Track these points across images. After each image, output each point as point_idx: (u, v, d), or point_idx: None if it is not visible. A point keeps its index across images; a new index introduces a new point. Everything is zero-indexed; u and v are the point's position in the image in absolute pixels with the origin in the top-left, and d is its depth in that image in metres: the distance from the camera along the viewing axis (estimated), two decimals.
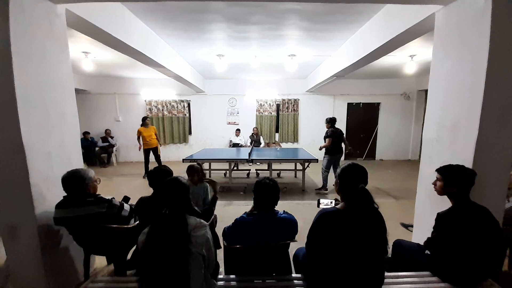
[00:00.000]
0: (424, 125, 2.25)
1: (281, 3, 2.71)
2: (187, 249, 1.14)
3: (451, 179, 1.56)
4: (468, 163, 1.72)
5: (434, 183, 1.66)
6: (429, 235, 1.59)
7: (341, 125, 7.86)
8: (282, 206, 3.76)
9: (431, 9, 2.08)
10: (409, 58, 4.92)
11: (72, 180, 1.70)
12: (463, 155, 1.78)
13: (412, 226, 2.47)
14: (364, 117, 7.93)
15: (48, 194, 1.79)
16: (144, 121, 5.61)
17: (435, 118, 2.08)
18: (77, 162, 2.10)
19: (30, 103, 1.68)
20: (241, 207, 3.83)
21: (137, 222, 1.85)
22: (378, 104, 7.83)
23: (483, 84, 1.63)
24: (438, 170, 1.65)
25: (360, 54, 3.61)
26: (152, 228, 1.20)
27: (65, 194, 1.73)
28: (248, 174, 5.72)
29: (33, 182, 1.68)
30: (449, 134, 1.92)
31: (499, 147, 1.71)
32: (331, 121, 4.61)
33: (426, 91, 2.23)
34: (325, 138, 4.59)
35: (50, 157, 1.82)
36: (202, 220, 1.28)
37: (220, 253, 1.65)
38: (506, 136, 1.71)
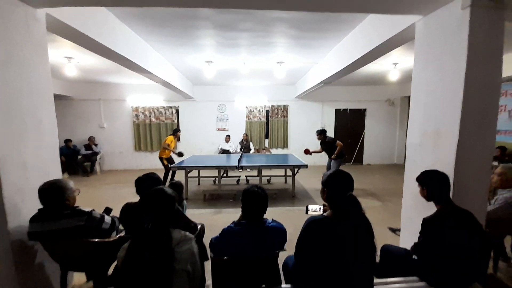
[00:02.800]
0: (407, 131, 2.31)
1: (269, 11, 2.75)
2: (170, 266, 1.07)
3: (422, 181, 1.66)
4: (450, 167, 1.77)
5: (420, 193, 1.70)
6: (416, 240, 1.61)
7: (330, 130, 8.00)
8: (272, 212, 3.71)
9: (411, 19, 2.17)
10: (392, 66, 5.11)
11: (51, 192, 1.59)
12: (445, 160, 1.83)
13: (399, 230, 2.50)
14: (351, 123, 8.11)
15: (22, 206, 1.69)
16: (176, 133, 5.75)
17: (418, 124, 2.15)
18: (55, 172, 1.99)
19: (5, 110, 1.58)
20: (231, 215, 3.76)
21: (119, 235, 1.76)
22: (364, 110, 8.05)
23: (462, 91, 1.70)
24: (417, 180, 1.71)
25: (345, 61, 3.71)
26: (132, 243, 1.13)
27: (41, 206, 1.62)
28: (238, 181, 5.66)
29: (7, 195, 1.58)
30: (432, 139, 1.98)
31: (479, 151, 1.78)
32: (324, 132, 4.94)
33: (409, 97, 2.30)
34: (331, 144, 4.82)
35: (26, 167, 1.72)
36: (187, 233, 1.21)
37: (208, 265, 1.59)
38: (485, 141, 1.78)
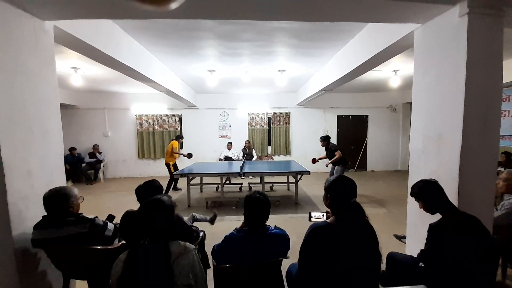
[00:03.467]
0: (410, 137, 2.31)
1: (269, 21, 2.81)
2: (170, 282, 1.03)
3: (420, 195, 1.59)
4: (454, 172, 1.76)
5: (421, 207, 1.66)
6: (422, 247, 1.58)
7: (332, 137, 7.97)
8: (275, 220, 3.67)
9: (409, 28, 2.20)
10: (393, 73, 5.14)
11: (56, 199, 1.60)
12: (449, 165, 1.82)
13: (405, 237, 2.46)
14: (353, 129, 8.09)
15: (27, 214, 1.70)
16: (179, 139, 5.92)
17: (420, 130, 2.15)
18: (59, 180, 2.01)
19: (12, 120, 1.62)
20: (233, 222, 3.73)
21: (121, 242, 1.75)
22: (367, 116, 8.05)
23: (463, 96, 1.70)
24: (411, 195, 1.67)
25: (346, 69, 3.75)
26: (129, 258, 1.08)
27: (45, 214, 1.63)
28: (240, 188, 5.64)
29: (11, 201, 1.59)
30: (435, 144, 1.98)
31: (483, 155, 1.76)
32: (327, 138, 4.94)
33: (411, 103, 2.31)
34: (332, 152, 4.83)
35: (31, 175, 1.74)
36: (187, 244, 1.16)
37: (210, 273, 1.58)
38: (489, 145, 1.76)
